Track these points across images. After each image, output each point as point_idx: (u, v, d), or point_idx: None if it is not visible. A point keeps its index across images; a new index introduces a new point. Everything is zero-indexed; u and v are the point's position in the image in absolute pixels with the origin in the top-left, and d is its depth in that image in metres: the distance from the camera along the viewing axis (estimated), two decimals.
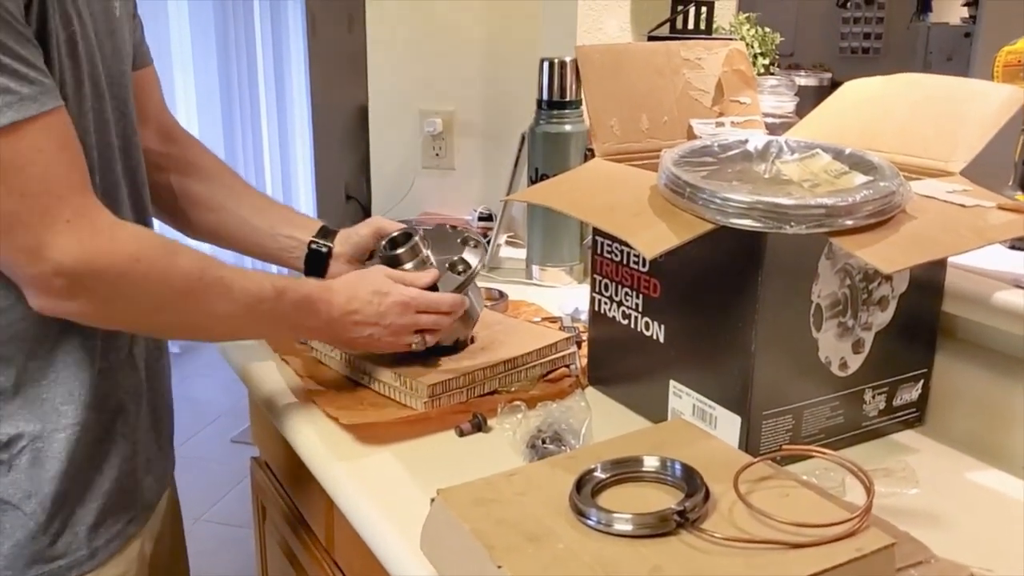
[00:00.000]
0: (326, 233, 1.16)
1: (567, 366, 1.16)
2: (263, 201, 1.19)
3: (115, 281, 0.81)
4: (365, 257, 1.17)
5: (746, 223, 0.83)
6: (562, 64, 1.44)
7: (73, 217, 0.77)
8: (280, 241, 1.15)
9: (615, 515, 0.69)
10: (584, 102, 1.07)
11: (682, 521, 0.68)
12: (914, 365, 1.03)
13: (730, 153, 0.96)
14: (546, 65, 1.45)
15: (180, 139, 1.14)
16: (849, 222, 0.82)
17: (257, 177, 4.18)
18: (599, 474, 0.75)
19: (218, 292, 0.88)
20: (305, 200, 4.51)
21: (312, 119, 4.46)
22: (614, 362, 1.12)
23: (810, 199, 0.82)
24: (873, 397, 1.00)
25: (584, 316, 1.33)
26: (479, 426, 1.02)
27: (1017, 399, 0.96)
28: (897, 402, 1.02)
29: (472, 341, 1.15)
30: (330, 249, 1.15)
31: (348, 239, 1.16)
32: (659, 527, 0.68)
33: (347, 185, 4.66)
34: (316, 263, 1.15)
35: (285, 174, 4.38)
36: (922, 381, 1.03)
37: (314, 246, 1.15)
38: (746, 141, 0.98)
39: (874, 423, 1.01)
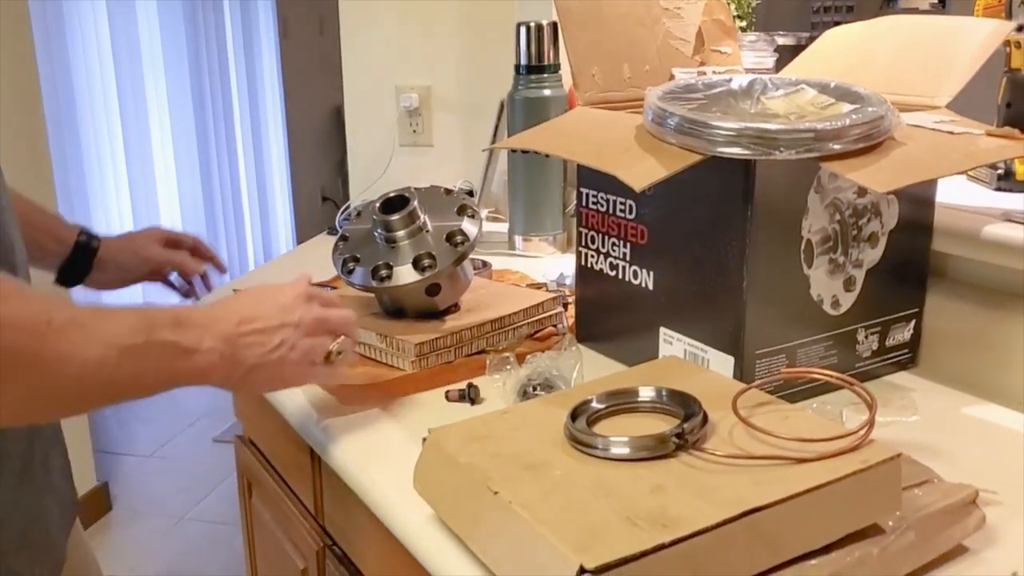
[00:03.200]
0: (90, 234, 0.99)
1: (554, 326, 1.14)
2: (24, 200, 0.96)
3: None
4: (143, 270, 1.02)
5: (735, 151, 0.81)
6: (539, 28, 1.42)
7: None
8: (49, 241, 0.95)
9: (612, 439, 0.67)
10: (565, 51, 1.05)
11: (681, 443, 0.66)
12: (906, 304, 1.01)
13: (715, 91, 0.95)
14: (523, 29, 1.43)
15: None
16: (837, 146, 0.81)
17: (232, 182, 4.14)
18: (595, 404, 0.73)
19: (77, 335, 0.64)
20: (281, 203, 4.48)
21: (286, 123, 4.44)
22: (602, 317, 1.10)
23: (799, 124, 0.81)
24: (866, 337, 0.98)
25: (569, 281, 1.31)
26: (471, 399, 0.98)
27: (1011, 333, 0.95)
28: (890, 342, 1.01)
29: (457, 308, 1.13)
30: (98, 243, 0.99)
31: (120, 241, 1.00)
32: (658, 449, 0.66)
33: (323, 187, 4.64)
34: (76, 266, 0.98)
35: (260, 177, 4.34)
36: (914, 321, 1.02)
37: (81, 239, 0.97)
38: (730, 80, 0.97)
39: (867, 364, 1.00)
